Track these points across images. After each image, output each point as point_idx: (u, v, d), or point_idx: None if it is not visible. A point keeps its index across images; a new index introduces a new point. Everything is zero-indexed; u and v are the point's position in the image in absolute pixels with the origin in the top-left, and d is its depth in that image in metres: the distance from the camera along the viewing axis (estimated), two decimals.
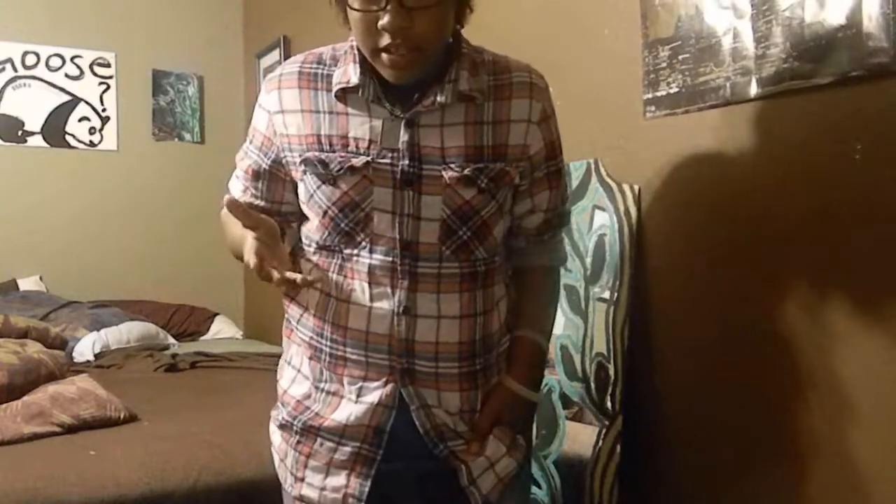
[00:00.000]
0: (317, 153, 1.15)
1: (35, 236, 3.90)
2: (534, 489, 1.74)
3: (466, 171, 1.13)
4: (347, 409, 1.17)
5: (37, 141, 3.94)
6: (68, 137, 4.00)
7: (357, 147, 1.13)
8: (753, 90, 1.36)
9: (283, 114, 1.19)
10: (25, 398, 2.02)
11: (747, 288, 1.40)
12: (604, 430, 1.58)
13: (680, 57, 1.50)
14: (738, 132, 1.41)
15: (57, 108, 3.98)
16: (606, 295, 1.62)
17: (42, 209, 3.92)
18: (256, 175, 1.24)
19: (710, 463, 1.48)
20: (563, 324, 1.72)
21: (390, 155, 1.13)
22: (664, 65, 1.54)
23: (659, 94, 1.55)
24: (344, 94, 1.15)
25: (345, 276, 1.16)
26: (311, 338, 1.21)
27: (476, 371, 1.19)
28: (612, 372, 1.59)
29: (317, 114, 1.16)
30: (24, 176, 3.90)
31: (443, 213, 1.13)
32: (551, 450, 1.70)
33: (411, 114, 1.13)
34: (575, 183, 1.74)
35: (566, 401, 1.69)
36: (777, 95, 1.32)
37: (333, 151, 1.14)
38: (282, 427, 1.25)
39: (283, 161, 1.21)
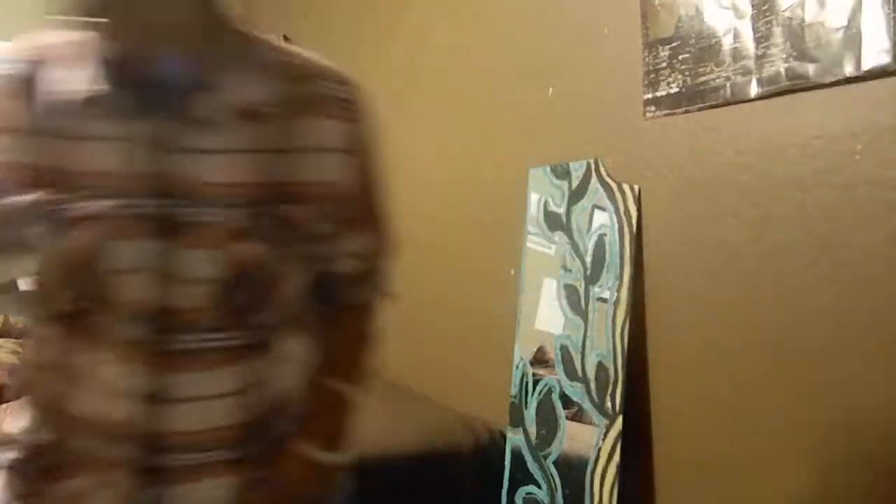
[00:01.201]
0: (36, 195, 0.82)
1: None
2: (534, 489, 1.74)
3: (250, 218, 0.84)
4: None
5: None
6: None
7: (96, 184, 0.81)
8: (753, 90, 1.36)
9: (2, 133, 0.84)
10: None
11: (748, 288, 1.40)
12: (604, 430, 1.58)
13: (680, 57, 1.50)
14: (738, 132, 1.41)
15: None
16: (606, 295, 1.62)
17: None
18: None
19: (710, 463, 1.48)
20: (563, 324, 1.72)
21: (142, 193, 0.82)
22: (664, 65, 1.54)
23: (659, 94, 1.55)
24: (80, 108, 0.82)
25: (72, 353, 0.86)
26: (30, 427, 0.90)
27: (256, 455, 0.91)
28: (612, 372, 1.59)
29: (35, 137, 0.83)
30: None
31: (216, 273, 0.83)
32: (551, 450, 1.70)
33: (171, 134, 0.82)
34: (575, 183, 1.74)
35: (566, 401, 1.69)
36: (777, 95, 1.32)
37: (62, 191, 0.81)
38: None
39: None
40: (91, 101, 0.82)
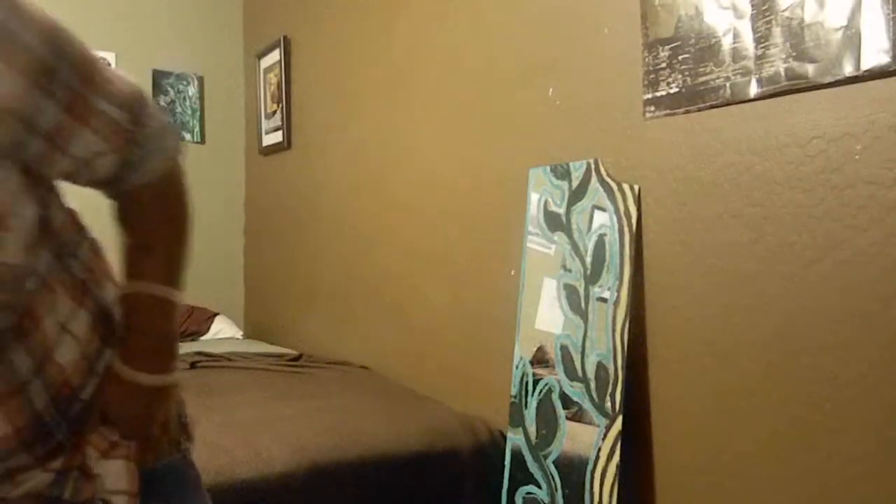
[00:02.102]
0: None
1: None
2: (534, 489, 1.74)
3: None
4: None
5: None
6: None
7: None
8: (753, 90, 1.36)
9: None
10: None
11: (748, 287, 1.40)
12: (604, 430, 1.58)
13: (680, 57, 1.50)
14: (738, 132, 1.41)
15: None
16: (606, 295, 1.62)
17: None
18: None
19: (711, 463, 1.48)
20: (563, 324, 1.72)
21: None
22: (664, 65, 1.54)
23: (659, 94, 1.55)
24: None
25: None
26: None
27: (63, 442, 0.82)
28: (612, 372, 1.59)
29: None
30: None
31: None
32: (551, 450, 1.70)
33: None
34: (575, 183, 1.74)
35: (566, 401, 1.69)
36: (777, 95, 1.32)
37: None
38: None
39: None
40: None
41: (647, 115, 1.59)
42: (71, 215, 0.86)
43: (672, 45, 1.52)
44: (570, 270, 1.71)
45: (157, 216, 0.87)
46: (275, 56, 3.71)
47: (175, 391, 0.90)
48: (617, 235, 1.62)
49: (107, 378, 0.83)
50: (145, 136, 0.81)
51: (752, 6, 1.35)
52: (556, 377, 1.72)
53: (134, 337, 0.85)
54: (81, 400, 0.82)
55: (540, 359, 1.78)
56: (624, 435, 1.56)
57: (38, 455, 0.79)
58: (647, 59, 1.58)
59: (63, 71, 0.72)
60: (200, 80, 4.26)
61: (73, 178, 0.80)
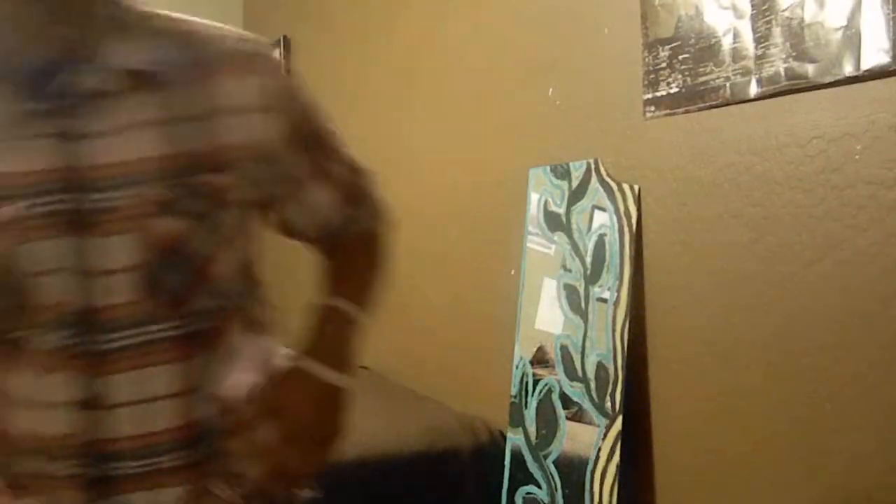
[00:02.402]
0: None
1: None
2: (534, 489, 1.74)
3: (163, 193, 0.77)
4: None
5: None
6: None
7: None
8: (753, 90, 1.36)
9: None
10: None
11: (748, 288, 1.40)
12: (604, 430, 1.58)
13: (680, 57, 1.50)
14: (738, 132, 1.41)
15: None
16: (606, 295, 1.62)
17: None
18: None
19: (711, 463, 1.48)
20: (563, 324, 1.72)
21: (46, 190, 0.75)
22: (664, 65, 1.54)
23: (659, 94, 1.55)
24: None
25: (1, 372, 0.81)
26: None
27: (210, 458, 0.86)
28: (612, 372, 1.59)
29: None
30: None
31: (136, 259, 0.77)
32: (551, 450, 1.70)
33: (59, 122, 0.75)
34: (575, 183, 1.74)
35: (566, 401, 1.69)
36: (777, 95, 1.32)
37: None
38: None
39: None
40: None
41: (647, 115, 1.59)
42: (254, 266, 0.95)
43: (672, 45, 1.52)
44: (570, 270, 1.71)
45: (360, 263, 0.98)
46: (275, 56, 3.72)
47: (346, 403, 0.88)
48: (617, 235, 1.62)
49: (285, 380, 0.86)
50: (364, 197, 0.98)
51: (752, 6, 1.35)
52: (556, 377, 1.72)
53: (320, 342, 0.89)
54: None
55: (540, 359, 1.78)
56: (624, 435, 1.56)
57: (183, 463, 0.83)
58: (647, 59, 1.58)
59: (313, 135, 0.90)
60: None
61: (291, 224, 0.93)
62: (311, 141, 0.90)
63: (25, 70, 0.76)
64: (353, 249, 0.98)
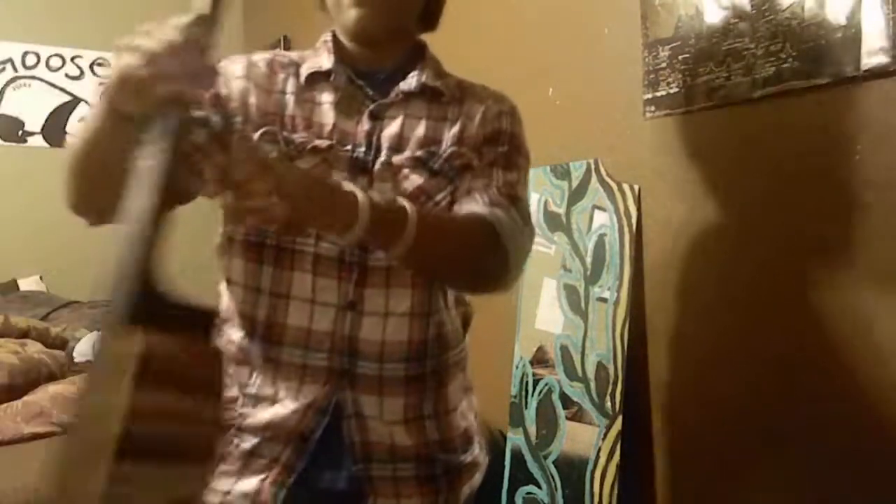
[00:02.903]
0: (278, 129, 1.07)
1: (35, 236, 3.90)
2: (534, 489, 1.74)
3: (418, 153, 1.08)
4: (274, 411, 1.05)
5: (37, 141, 3.94)
6: (68, 137, 4.00)
7: (321, 131, 1.08)
8: (753, 90, 1.36)
9: (248, 80, 1.10)
10: (25, 398, 2.02)
11: (748, 287, 1.40)
12: (604, 430, 1.58)
13: (680, 57, 1.50)
14: (738, 132, 1.41)
15: (57, 108, 3.98)
16: (606, 295, 1.62)
17: (42, 209, 3.90)
18: None
19: (711, 463, 1.48)
20: (563, 324, 1.72)
21: (350, 142, 1.08)
22: (664, 65, 1.54)
23: (659, 94, 1.55)
24: (313, 82, 1.11)
25: (283, 269, 1.05)
26: (239, 339, 1.08)
27: (425, 374, 1.10)
28: (612, 372, 1.59)
29: (283, 94, 1.11)
30: (24, 176, 3.90)
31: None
32: (551, 450, 1.70)
33: (376, 106, 1.10)
34: (575, 183, 1.74)
35: (566, 401, 1.69)
36: (777, 95, 1.32)
37: (296, 131, 1.08)
38: None
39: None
40: (328, 75, 1.11)
41: (647, 115, 1.59)
42: None
43: (672, 45, 1.52)
44: (570, 270, 1.71)
45: (475, 238, 1.08)
46: None
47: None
48: (617, 235, 1.62)
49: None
50: (518, 210, 1.13)
51: (752, 6, 1.35)
52: (556, 377, 1.72)
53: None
54: (446, 355, 1.12)
55: (540, 359, 1.78)
56: (624, 435, 1.56)
57: (407, 374, 1.07)
58: (647, 59, 1.58)
59: (503, 147, 1.14)
60: None
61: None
62: (500, 141, 1.14)
63: (370, 82, 1.13)
64: (460, 216, 1.09)
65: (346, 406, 1.05)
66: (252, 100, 1.09)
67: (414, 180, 1.07)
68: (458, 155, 1.10)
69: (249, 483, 1.05)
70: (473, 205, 1.08)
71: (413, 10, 1.15)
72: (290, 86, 1.12)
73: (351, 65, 1.12)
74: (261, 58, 1.14)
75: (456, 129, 1.12)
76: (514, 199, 1.13)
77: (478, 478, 1.22)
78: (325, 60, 1.12)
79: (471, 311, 1.23)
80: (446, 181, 1.09)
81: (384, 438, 1.07)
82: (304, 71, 1.12)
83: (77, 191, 1.00)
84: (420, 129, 1.10)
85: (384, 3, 1.07)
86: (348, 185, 0.94)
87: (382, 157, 1.07)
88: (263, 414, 1.06)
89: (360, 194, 0.92)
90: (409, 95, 1.12)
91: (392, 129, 1.10)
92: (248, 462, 1.06)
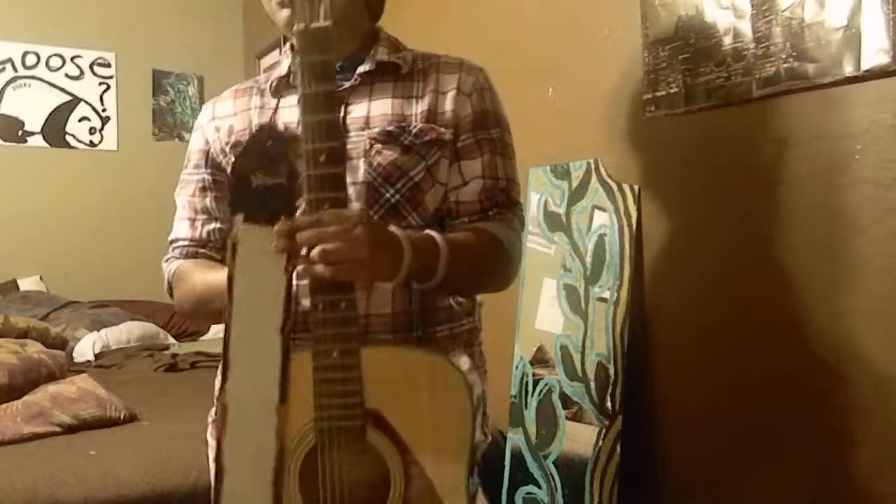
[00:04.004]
0: (246, 137, 1.16)
1: (35, 236, 3.90)
2: (534, 489, 1.74)
3: (389, 128, 1.12)
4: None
5: (37, 141, 3.94)
6: (68, 137, 4.00)
7: (286, 129, 1.12)
8: (753, 90, 1.36)
9: (215, 120, 1.23)
10: (25, 398, 2.02)
11: (748, 288, 1.40)
12: (604, 430, 1.58)
13: (680, 57, 1.50)
14: (738, 132, 1.41)
15: (57, 108, 3.98)
16: (606, 295, 1.62)
17: (42, 209, 3.92)
18: (204, 190, 1.24)
19: (711, 463, 1.48)
20: (563, 324, 1.72)
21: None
22: (664, 65, 1.54)
23: (659, 94, 1.55)
24: (279, 90, 1.19)
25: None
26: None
27: (415, 340, 1.13)
28: (612, 372, 1.59)
29: (248, 111, 1.21)
30: (24, 176, 3.90)
31: (367, 176, 1.10)
32: (551, 450, 1.70)
33: (338, 92, 1.14)
34: (575, 183, 1.74)
35: (566, 401, 1.69)
36: (777, 95, 1.32)
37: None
38: (213, 423, 1.21)
39: (220, 163, 1.22)
40: (288, 76, 1.19)
41: (647, 115, 1.59)
42: None
43: (672, 45, 1.52)
44: (570, 270, 1.71)
45: (473, 240, 1.12)
46: (275, 56, 3.72)
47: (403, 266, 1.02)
48: (617, 235, 1.62)
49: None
50: (506, 198, 1.16)
51: (752, 6, 1.35)
52: (556, 377, 1.72)
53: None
54: (435, 328, 1.14)
55: (540, 359, 1.78)
56: (624, 435, 1.56)
57: (397, 342, 1.10)
58: (647, 59, 1.58)
59: (495, 130, 1.18)
60: (200, 80, 4.26)
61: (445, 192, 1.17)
62: (482, 125, 1.16)
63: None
64: (472, 232, 1.14)
65: None
66: (223, 132, 1.21)
67: (387, 155, 1.11)
68: (428, 130, 1.13)
69: None
70: (478, 217, 1.15)
71: (347, 1, 1.16)
72: (255, 101, 1.21)
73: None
74: (224, 94, 1.26)
75: (424, 104, 1.14)
76: (514, 203, 1.19)
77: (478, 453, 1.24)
78: (284, 67, 1.20)
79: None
80: (419, 157, 1.12)
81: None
82: (272, 78, 1.21)
83: (190, 317, 1.16)
84: (387, 108, 1.14)
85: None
86: (392, 236, 0.99)
87: (352, 138, 1.12)
88: None
89: (404, 244, 0.99)
90: (369, 76, 1.16)
91: (358, 112, 1.14)
92: None
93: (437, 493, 0.93)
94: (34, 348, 2.35)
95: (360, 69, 1.15)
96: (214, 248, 1.24)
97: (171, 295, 1.26)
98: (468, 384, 0.95)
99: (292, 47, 1.20)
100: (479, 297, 1.27)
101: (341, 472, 0.94)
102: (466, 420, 0.94)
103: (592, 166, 1.70)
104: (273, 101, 1.20)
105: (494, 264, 1.15)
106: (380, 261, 0.96)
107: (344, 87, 1.15)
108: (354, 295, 0.94)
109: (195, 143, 1.25)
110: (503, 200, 1.17)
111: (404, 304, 1.12)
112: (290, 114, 1.16)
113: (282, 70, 1.21)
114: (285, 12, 1.11)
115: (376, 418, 0.93)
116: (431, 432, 0.94)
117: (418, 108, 1.14)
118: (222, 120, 1.22)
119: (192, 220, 1.25)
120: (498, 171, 1.17)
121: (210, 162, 1.23)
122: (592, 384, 1.63)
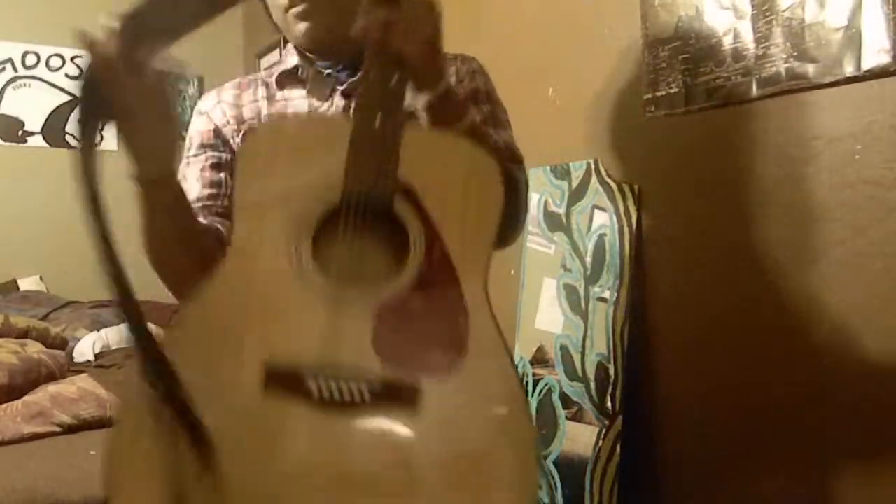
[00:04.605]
0: (256, 124, 1.19)
1: (35, 236, 3.90)
2: None
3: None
4: None
5: (37, 141, 3.93)
6: (68, 137, 4.00)
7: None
8: (753, 90, 1.36)
9: (221, 104, 1.23)
10: (25, 398, 2.02)
11: (748, 288, 1.40)
12: (604, 430, 1.58)
13: (680, 57, 1.50)
14: (738, 132, 1.41)
15: (57, 108, 3.98)
16: (606, 295, 1.62)
17: (42, 209, 3.91)
18: (214, 167, 1.20)
19: (710, 463, 1.48)
20: (563, 324, 1.72)
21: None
22: (664, 65, 1.54)
23: (659, 94, 1.55)
24: (284, 83, 1.22)
25: None
26: None
27: None
28: (612, 372, 1.59)
29: (256, 102, 1.23)
30: (24, 176, 3.89)
31: None
32: (551, 450, 1.70)
33: (347, 85, 1.18)
34: (575, 183, 1.74)
35: (566, 401, 1.69)
36: (777, 95, 1.32)
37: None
38: None
39: (230, 143, 1.21)
40: (296, 70, 1.22)
41: (647, 115, 1.59)
42: None
43: (672, 45, 1.52)
44: (570, 270, 1.71)
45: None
46: (275, 56, 3.72)
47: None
48: (617, 235, 1.62)
49: None
50: (510, 154, 1.16)
51: (752, 6, 1.35)
52: (556, 377, 1.72)
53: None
54: None
55: (540, 359, 1.78)
56: (624, 435, 1.56)
57: None
58: (647, 59, 1.58)
59: (485, 106, 1.22)
60: (200, 80, 4.26)
61: None
62: (481, 100, 1.20)
63: (337, 73, 1.20)
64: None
65: None
66: (230, 116, 1.22)
67: None
68: None
69: None
70: None
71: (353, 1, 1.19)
72: (261, 93, 1.23)
73: (314, 63, 1.21)
74: (228, 84, 1.26)
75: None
76: (521, 160, 1.20)
77: None
78: (292, 60, 1.22)
79: None
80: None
81: None
82: (275, 73, 1.23)
83: (172, 278, 1.09)
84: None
85: (328, 14, 1.12)
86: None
87: None
88: None
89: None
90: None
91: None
92: None
93: (455, 270, 0.92)
94: (34, 348, 2.35)
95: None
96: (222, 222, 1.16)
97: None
98: (501, 176, 0.94)
99: (297, 48, 1.21)
100: None
101: (360, 237, 0.91)
102: (496, 210, 0.93)
103: (592, 166, 1.70)
104: (280, 93, 1.22)
105: (509, 181, 1.11)
106: (439, 56, 1.00)
107: (353, 81, 1.17)
108: (408, 76, 0.94)
109: (199, 125, 1.23)
110: (510, 158, 1.15)
111: None
112: (299, 105, 1.20)
113: (287, 65, 1.23)
114: (303, 25, 1.12)
115: (407, 191, 0.91)
116: (460, 217, 0.93)
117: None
118: (229, 106, 1.23)
119: (204, 186, 1.19)
120: (497, 140, 1.17)
121: (221, 140, 1.21)
122: (592, 384, 1.63)
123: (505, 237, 1.13)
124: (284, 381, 0.85)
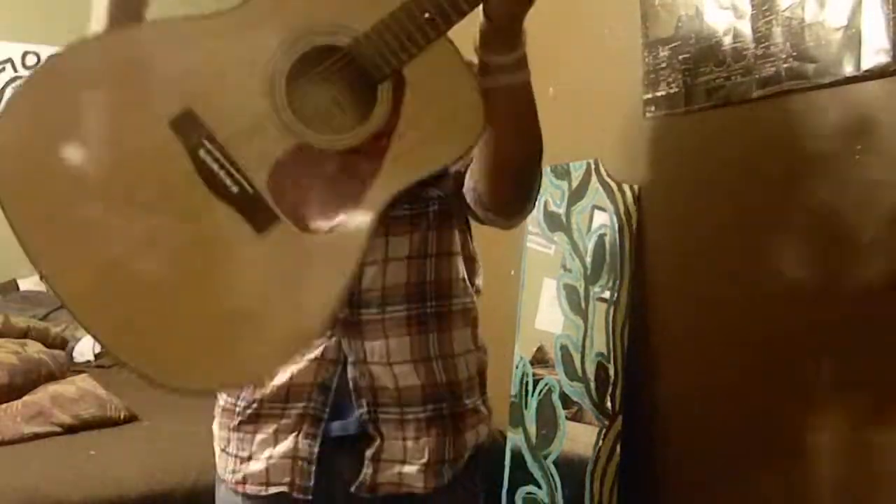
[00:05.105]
0: None
1: None
2: (534, 489, 1.74)
3: None
4: (290, 371, 1.13)
5: None
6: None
7: None
8: (753, 90, 1.36)
9: None
10: (25, 398, 2.02)
11: (748, 287, 1.40)
12: (604, 430, 1.58)
13: (680, 57, 1.50)
14: (738, 132, 1.41)
15: None
16: (606, 295, 1.62)
17: None
18: None
19: (710, 463, 1.48)
20: (563, 324, 1.72)
21: None
22: (664, 65, 1.54)
23: (659, 94, 1.55)
24: None
25: None
26: None
27: (427, 314, 1.15)
28: (612, 372, 1.59)
29: None
30: None
31: None
32: (551, 450, 1.70)
33: None
34: (575, 183, 1.74)
35: (566, 401, 1.69)
36: (777, 95, 1.32)
37: None
38: (223, 412, 1.21)
39: None
40: None
41: (647, 115, 1.59)
42: None
43: (672, 45, 1.52)
44: (570, 270, 1.71)
45: None
46: None
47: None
48: (617, 235, 1.62)
49: None
50: None
51: (752, 6, 1.35)
52: (556, 377, 1.72)
53: None
54: (448, 301, 1.18)
55: (540, 359, 1.78)
56: (624, 435, 1.56)
57: (409, 314, 1.13)
58: (647, 59, 1.58)
59: None
60: None
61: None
62: None
63: None
64: None
65: (353, 353, 1.12)
66: None
67: None
68: None
69: (285, 444, 1.13)
70: None
71: None
72: None
73: None
74: None
75: None
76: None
77: (483, 431, 1.27)
78: None
79: (477, 266, 1.30)
80: None
81: (391, 382, 1.13)
82: None
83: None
84: None
85: None
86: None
87: None
88: (280, 378, 1.13)
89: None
90: None
91: None
92: (279, 426, 1.13)
93: (380, 170, 0.91)
94: (34, 348, 2.36)
95: None
96: None
97: None
98: (479, 129, 0.97)
99: None
100: (479, 283, 1.30)
101: (333, 86, 0.93)
102: (455, 151, 0.96)
103: (592, 166, 1.70)
104: None
105: (539, 157, 1.12)
106: (521, 21, 1.08)
107: None
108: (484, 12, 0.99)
109: None
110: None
111: (419, 276, 1.13)
112: None
113: None
114: None
115: (400, 79, 0.93)
116: (421, 136, 0.94)
117: None
118: None
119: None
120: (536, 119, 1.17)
121: None
122: (592, 384, 1.63)
123: (512, 211, 1.16)
124: (188, 133, 0.87)
